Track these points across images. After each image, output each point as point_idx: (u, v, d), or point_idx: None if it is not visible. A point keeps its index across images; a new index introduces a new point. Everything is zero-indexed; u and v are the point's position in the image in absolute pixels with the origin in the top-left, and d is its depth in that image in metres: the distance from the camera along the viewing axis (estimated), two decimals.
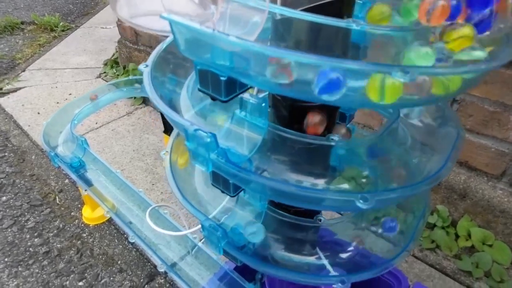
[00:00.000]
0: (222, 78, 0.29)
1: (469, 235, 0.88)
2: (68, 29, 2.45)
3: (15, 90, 1.70)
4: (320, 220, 0.42)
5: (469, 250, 0.88)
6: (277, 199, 0.34)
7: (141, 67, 0.42)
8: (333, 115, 0.41)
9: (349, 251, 0.50)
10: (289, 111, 0.38)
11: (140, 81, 1.08)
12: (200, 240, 0.92)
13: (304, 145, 0.36)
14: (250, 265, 0.40)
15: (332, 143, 0.36)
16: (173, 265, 0.70)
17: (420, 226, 0.48)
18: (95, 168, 0.87)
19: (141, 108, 1.55)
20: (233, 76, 0.30)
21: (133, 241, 0.69)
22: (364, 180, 0.38)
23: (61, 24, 2.45)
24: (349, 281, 0.37)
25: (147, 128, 1.41)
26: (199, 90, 0.33)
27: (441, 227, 0.91)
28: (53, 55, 2.08)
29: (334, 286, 0.37)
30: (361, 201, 0.28)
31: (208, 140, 0.32)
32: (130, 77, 1.11)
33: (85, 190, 0.80)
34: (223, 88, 0.30)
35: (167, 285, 0.83)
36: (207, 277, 0.66)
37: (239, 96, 0.36)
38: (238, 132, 0.37)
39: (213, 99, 0.33)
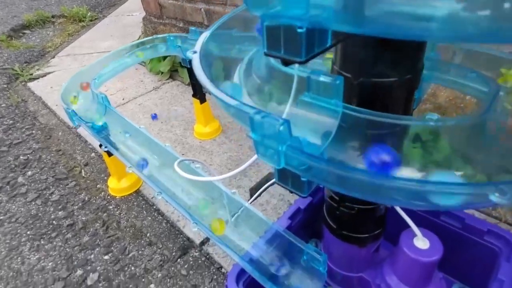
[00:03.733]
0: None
1: None
2: (95, 19, 2.44)
3: (44, 75, 1.67)
4: (434, 119, 0.27)
5: None
6: None
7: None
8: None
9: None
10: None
11: (160, 39, 0.98)
12: (248, 201, 0.79)
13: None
14: (333, 180, 0.26)
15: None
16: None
17: None
18: (118, 127, 0.77)
19: (168, 82, 1.45)
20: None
21: (160, 197, 0.57)
22: None
23: (89, 14, 2.45)
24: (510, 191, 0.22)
25: (175, 100, 1.30)
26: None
27: None
28: (81, 42, 2.06)
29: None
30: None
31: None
32: (152, 37, 1.01)
33: (105, 147, 0.70)
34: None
35: (203, 259, 0.71)
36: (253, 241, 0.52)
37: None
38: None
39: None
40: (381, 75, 0.33)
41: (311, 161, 0.24)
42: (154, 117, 1.19)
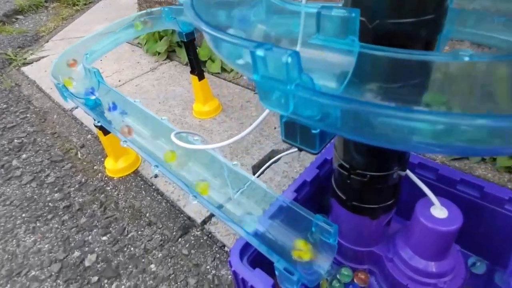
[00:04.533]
0: None
1: None
2: (90, 2, 2.37)
3: (38, 59, 1.63)
4: (467, 54, 0.23)
5: None
6: None
7: None
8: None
9: None
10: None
11: (155, 13, 0.93)
12: (255, 175, 0.76)
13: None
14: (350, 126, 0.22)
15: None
16: (220, 206, 0.54)
17: None
18: (111, 102, 0.73)
19: (165, 63, 1.40)
20: None
21: (156, 171, 0.53)
22: None
23: None
24: None
25: (173, 81, 1.26)
26: None
27: None
28: (75, 26, 2.00)
29: None
30: None
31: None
32: (146, 10, 0.96)
33: (98, 122, 0.66)
34: None
35: (204, 238, 0.68)
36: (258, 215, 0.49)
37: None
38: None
39: None
40: (401, 14, 0.29)
41: (328, 101, 0.20)
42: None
